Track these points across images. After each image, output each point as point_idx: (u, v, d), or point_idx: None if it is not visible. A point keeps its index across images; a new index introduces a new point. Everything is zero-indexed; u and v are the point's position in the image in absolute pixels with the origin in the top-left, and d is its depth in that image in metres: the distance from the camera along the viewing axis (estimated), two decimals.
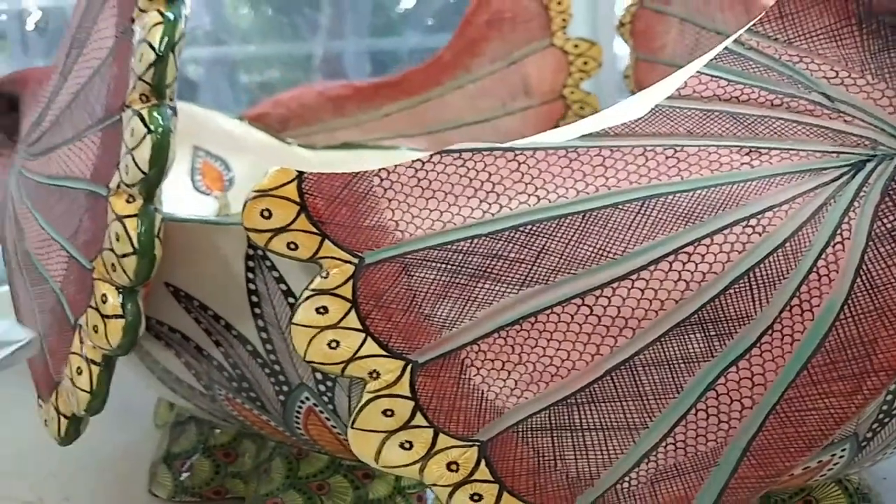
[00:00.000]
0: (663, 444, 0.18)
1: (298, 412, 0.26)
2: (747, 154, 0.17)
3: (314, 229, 0.19)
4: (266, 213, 0.20)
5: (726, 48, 0.18)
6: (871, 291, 0.16)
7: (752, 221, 0.17)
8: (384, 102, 0.43)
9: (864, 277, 0.16)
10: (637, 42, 0.37)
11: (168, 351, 0.28)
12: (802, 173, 0.17)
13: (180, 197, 0.44)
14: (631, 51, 0.38)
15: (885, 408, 0.22)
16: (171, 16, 0.19)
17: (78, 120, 0.25)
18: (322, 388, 0.26)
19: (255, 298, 0.25)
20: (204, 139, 0.44)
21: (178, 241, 0.24)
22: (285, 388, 0.26)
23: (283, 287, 0.24)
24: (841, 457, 0.23)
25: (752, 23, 0.17)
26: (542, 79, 0.41)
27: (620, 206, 0.17)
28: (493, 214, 0.18)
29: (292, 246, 0.20)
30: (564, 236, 0.18)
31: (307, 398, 0.26)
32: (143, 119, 0.20)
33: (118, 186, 0.22)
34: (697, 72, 0.18)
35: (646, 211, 0.17)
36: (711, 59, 0.18)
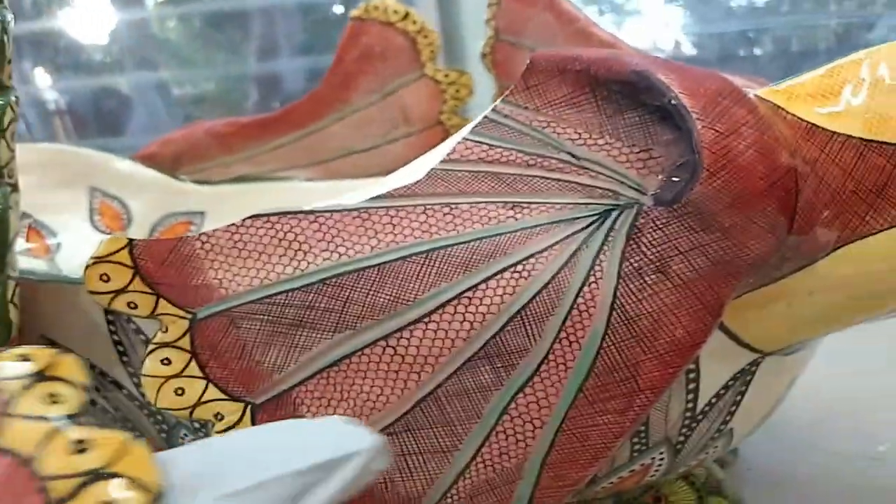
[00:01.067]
0: (474, 462, 0.21)
1: None
2: (511, 209, 0.19)
3: (149, 290, 0.21)
4: (105, 277, 0.22)
5: (486, 117, 0.20)
6: (627, 323, 0.19)
7: (519, 267, 0.19)
8: (271, 137, 0.44)
9: (618, 311, 0.19)
10: (499, 71, 0.40)
11: None
12: (558, 223, 0.19)
13: (81, 238, 0.45)
14: (495, 80, 0.40)
15: (688, 415, 0.24)
16: (1, 101, 0.21)
17: None
18: (196, 423, 0.27)
19: (120, 348, 0.26)
20: (99, 180, 0.45)
21: (44, 299, 0.26)
22: (164, 427, 0.28)
23: (143, 337, 0.25)
24: (661, 460, 0.26)
25: (505, 94, 0.20)
26: (419, 107, 0.43)
27: (408, 259, 0.19)
28: (302, 270, 0.20)
29: (132, 305, 0.22)
30: (364, 287, 0.20)
31: (185, 434, 0.28)
32: None
33: None
34: (463, 138, 0.20)
35: (430, 262, 0.19)
36: (474, 127, 0.20)
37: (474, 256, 0.19)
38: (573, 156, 0.19)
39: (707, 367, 0.23)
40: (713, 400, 0.24)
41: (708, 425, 0.25)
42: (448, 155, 0.20)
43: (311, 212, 0.20)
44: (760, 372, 0.25)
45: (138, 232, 0.48)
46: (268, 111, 0.47)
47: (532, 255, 0.19)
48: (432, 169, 0.20)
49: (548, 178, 0.19)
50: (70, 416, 0.13)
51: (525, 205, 0.19)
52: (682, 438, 0.25)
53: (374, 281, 0.20)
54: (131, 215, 0.47)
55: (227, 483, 0.13)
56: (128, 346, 0.26)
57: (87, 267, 0.22)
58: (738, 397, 0.25)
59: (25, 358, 0.14)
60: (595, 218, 0.19)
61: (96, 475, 0.13)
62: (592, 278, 0.19)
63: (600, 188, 0.19)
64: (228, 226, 0.21)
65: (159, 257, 0.21)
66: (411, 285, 0.20)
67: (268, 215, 0.20)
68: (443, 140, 0.45)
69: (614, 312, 0.19)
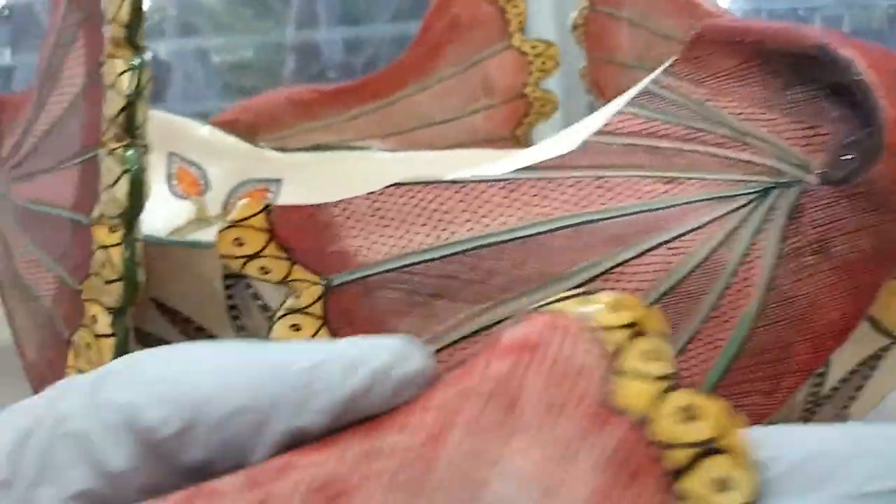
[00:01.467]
0: None
1: None
2: (667, 183, 0.19)
3: (284, 255, 0.21)
4: (238, 242, 0.21)
5: (645, 88, 0.19)
6: (782, 303, 0.19)
7: (674, 244, 0.19)
8: (351, 105, 0.44)
9: (775, 291, 0.19)
10: (590, 44, 0.39)
11: None
12: (716, 200, 0.19)
13: (159, 201, 0.46)
14: (585, 52, 0.40)
15: (811, 399, 0.24)
16: (136, 62, 0.21)
17: (56, 150, 0.26)
18: None
19: (234, 313, 0.26)
20: (179, 146, 0.46)
21: (161, 261, 0.26)
22: None
23: (260, 303, 0.25)
24: None
25: (665, 65, 0.19)
26: (503, 79, 0.42)
27: (556, 232, 0.19)
28: (444, 240, 0.20)
29: (265, 270, 0.22)
30: (509, 259, 0.19)
31: None
32: (118, 159, 0.22)
33: (100, 217, 0.23)
34: (619, 110, 0.19)
35: (579, 236, 0.19)
36: (632, 99, 0.19)
37: (626, 231, 0.19)
38: (734, 130, 0.19)
39: (839, 351, 0.23)
40: (838, 385, 0.24)
41: (829, 410, 0.25)
42: (603, 127, 0.19)
43: (455, 182, 0.20)
44: (887, 358, 0.24)
45: (215, 198, 0.48)
46: (305, 81, 0.47)
47: (688, 232, 0.19)
48: (585, 140, 0.19)
49: (707, 153, 0.19)
50: (669, 377, 0.12)
51: (682, 180, 0.19)
52: (801, 423, 0.25)
53: (520, 253, 0.19)
54: (209, 181, 0.47)
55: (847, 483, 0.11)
56: (243, 311, 0.26)
57: (220, 230, 0.22)
58: (862, 382, 0.25)
59: (615, 307, 0.13)
60: (755, 195, 0.19)
61: (708, 448, 0.12)
62: (749, 257, 0.18)
63: (761, 165, 0.19)
64: (369, 193, 0.20)
65: (296, 223, 0.21)
66: (558, 259, 0.19)
67: (410, 184, 0.20)
68: (524, 114, 0.45)
69: (770, 293, 0.19)
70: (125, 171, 0.21)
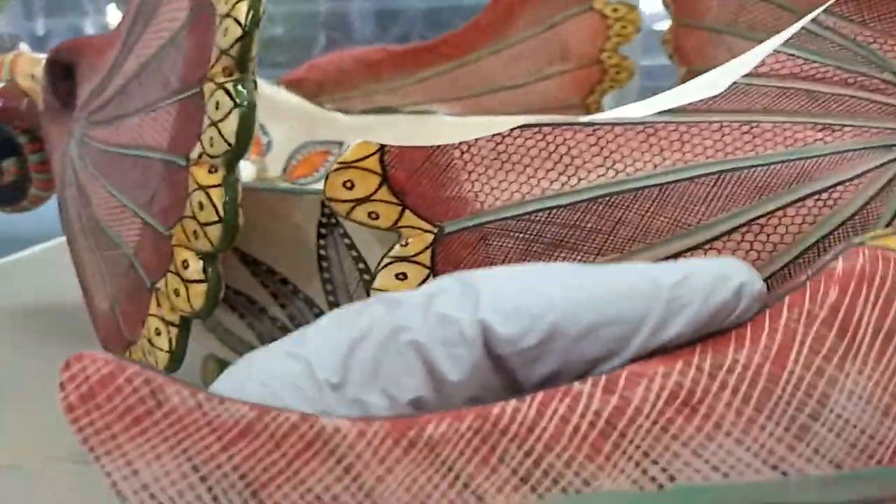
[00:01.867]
0: None
1: None
2: (821, 130, 0.18)
3: (395, 200, 0.20)
4: (348, 184, 0.21)
5: (803, 28, 0.18)
6: None
7: (824, 195, 0.17)
8: (420, 67, 0.43)
9: None
10: (678, 7, 0.38)
11: (232, 313, 0.29)
12: (872, 150, 0.18)
13: None
14: (671, 16, 0.38)
15: None
16: None
17: (149, 90, 0.26)
18: None
19: (324, 263, 0.26)
20: None
21: (250, 209, 0.25)
22: None
23: (354, 253, 0.25)
24: None
25: (828, 3, 0.18)
26: (580, 43, 0.41)
27: (696, 180, 0.18)
28: (571, 187, 0.19)
29: (373, 216, 0.21)
30: (641, 208, 0.18)
31: None
32: (229, 93, 0.21)
33: (199, 157, 0.23)
34: (775, 50, 0.18)
35: (721, 184, 0.18)
36: (789, 38, 0.18)
37: (773, 180, 0.18)
38: None
39: None
40: None
41: None
42: (755, 68, 0.18)
43: (589, 124, 0.19)
44: None
45: (276, 159, 0.47)
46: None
47: (840, 183, 0.17)
48: (735, 82, 0.18)
49: (866, 100, 0.18)
50: None
51: (837, 127, 0.18)
52: None
53: (654, 202, 0.18)
54: (271, 141, 0.46)
55: None
56: (333, 260, 0.25)
57: (329, 172, 0.21)
58: None
59: None
60: None
61: None
62: None
63: None
64: (493, 135, 0.19)
65: (412, 165, 0.20)
66: (696, 209, 0.18)
67: (539, 125, 0.19)
68: (598, 80, 0.44)
69: None
70: (236, 107, 0.20)
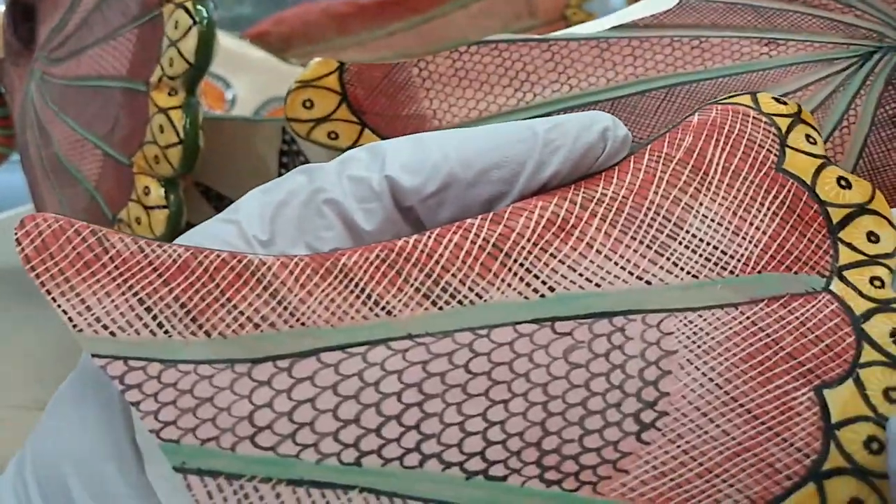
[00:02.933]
0: None
1: None
2: (766, 45, 0.18)
3: (355, 119, 0.21)
4: (308, 104, 0.21)
5: None
6: (871, 172, 0.18)
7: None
8: (389, 21, 0.43)
9: (865, 159, 0.18)
10: None
11: None
12: (815, 63, 0.18)
13: None
14: None
15: None
16: None
17: (110, 19, 0.25)
18: None
19: None
20: None
21: (211, 140, 0.25)
22: None
23: None
24: None
25: None
26: None
27: (647, 94, 0.19)
28: (527, 102, 0.19)
29: (333, 135, 0.21)
30: None
31: None
32: (188, 11, 0.21)
33: (159, 80, 0.23)
34: None
35: (671, 98, 0.18)
36: None
37: (721, 93, 0.18)
38: None
39: None
40: None
41: None
42: None
43: (545, 40, 0.19)
44: None
45: (240, 114, 0.47)
46: None
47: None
48: None
49: (809, 15, 0.18)
50: (825, 157, 0.15)
51: (782, 41, 0.18)
52: None
53: None
54: (236, 96, 0.46)
55: None
56: None
57: (289, 91, 0.21)
58: None
59: (779, 100, 0.16)
60: (855, 60, 0.18)
61: (861, 209, 0.15)
62: (845, 123, 0.18)
63: (864, 28, 0.18)
64: (451, 52, 0.20)
65: (371, 84, 0.20)
66: (647, 122, 0.19)
67: (496, 42, 0.19)
68: None
69: (861, 160, 0.18)
70: (195, 24, 0.20)
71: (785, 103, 0.15)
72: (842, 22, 0.18)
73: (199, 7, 0.21)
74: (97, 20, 0.26)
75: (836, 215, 0.15)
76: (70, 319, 0.12)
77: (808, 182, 0.15)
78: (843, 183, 0.15)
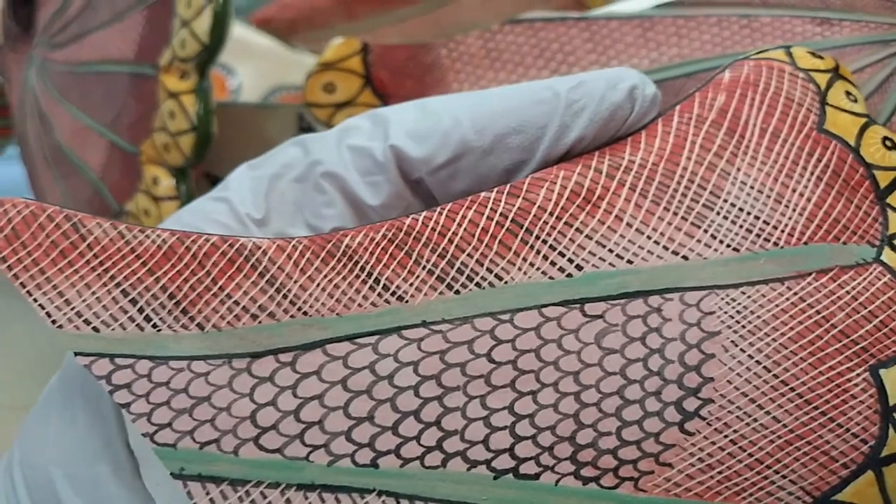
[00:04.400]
0: None
1: None
2: (819, 24, 0.17)
3: (378, 103, 0.19)
4: (330, 88, 0.20)
5: None
6: None
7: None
8: (398, 6, 0.42)
9: None
10: None
11: None
12: (871, 44, 0.17)
13: None
14: None
15: None
16: None
17: (116, 1, 0.24)
18: None
19: None
20: None
21: (221, 128, 0.24)
22: None
23: None
24: None
25: None
26: None
27: (693, 76, 0.18)
28: None
29: None
30: None
31: None
32: None
33: (170, 63, 0.21)
34: None
35: None
36: None
37: None
38: None
39: None
40: None
41: None
42: None
43: (583, 18, 0.18)
44: None
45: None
46: None
47: None
48: None
49: None
50: (868, 115, 0.14)
51: (836, 21, 0.17)
52: None
53: None
54: (241, 84, 0.45)
55: None
56: None
57: (309, 75, 0.20)
58: None
59: (817, 55, 0.14)
60: None
61: None
62: None
63: None
64: (482, 31, 0.19)
65: (396, 66, 0.19)
66: None
67: (531, 20, 0.18)
68: None
69: None
70: (209, 3, 0.19)
71: (821, 58, 0.14)
72: None
73: None
74: (102, 2, 0.25)
75: (884, 179, 0.14)
76: (48, 315, 0.11)
77: (853, 143, 0.14)
78: (888, 143, 0.14)
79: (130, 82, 0.23)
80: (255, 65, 0.45)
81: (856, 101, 0.14)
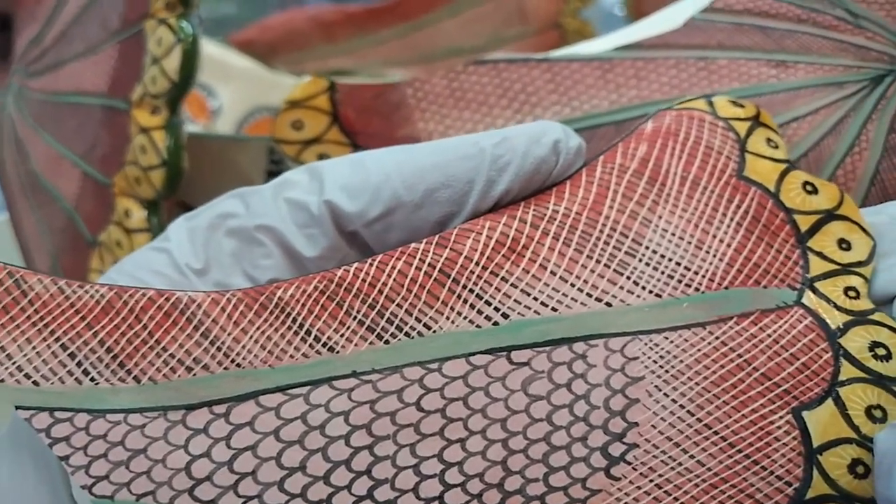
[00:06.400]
0: None
1: None
2: (775, 67, 0.18)
3: (346, 140, 0.20)
4: (298, 125, 0.20)
5: None
6: (884, 199, 0.18)
7: (780, 130, 0.17)
8: (377, 28, 0.42)
9: (877, 186, 0.18)
10: None
11: None
12: (826, 86, 0.18)
13: None
14: None
15: None
16: None
17: (90, 33, 0.24)
18: None
19: None
20: None
21: (194, 159, 0.24)
22: None
23: None
24: None
25: None
26: (538, 6, 0.41)
27: None
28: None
29: (324, 158, 0.20)
30: (598, 146, 0.18)
31: None
32: (171, 28, 0.20)
33: (142, 98, 0.22)
34: None
35: None
36: None
37: None
38: (850, 13, 0.18)
39: None
40: None
41: None
42: (711, 4, 0.18)
43: (545, 60, 0.18)
44: None
45: (225, 125, 0.46)
46: None
47: (795, 119, 0.17)
48: (691, 18, 0.18)
49: (819, 36, 0.18)
50: (789, 161, 0.14)
51: (791, 63, 0.18)
52: None
53: (610, 140, 0.18)
54: (221, 106, 0.45)
55: None
56: None
57: (279, 112, 0.20)
58: None
59: (737, 103, 0.15)
60: (866, 83, 0.17)
61: (829, 215, 0.14)
62: (857, 148, 0.17)
63: (875, 51, 0.17)
64: (447, 72, 0.19)
65: (363, 104, 0.19)
66: None
67: (494, 61, 0.19)
68: (557, 45, 0.43)
69: (873, 187, 0.18)
70: (179, 42, 0.19)
71: (742, 106, 0.15)
72: (852, 44, 0.18)
73: (182, 24, 0.20)
74: (77, 34, 0.25)
75: (804, 223, 0.14)
76: None
77: (772, 189, 0.14)
78: (808, 188, 0.14)
79: (103, 115, 0.23)
80: (236, 86, 0.45)
81: (777, 147, 0.14)
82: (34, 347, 0.12)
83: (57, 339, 0.12)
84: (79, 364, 0.12)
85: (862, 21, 0.18)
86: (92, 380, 0.12)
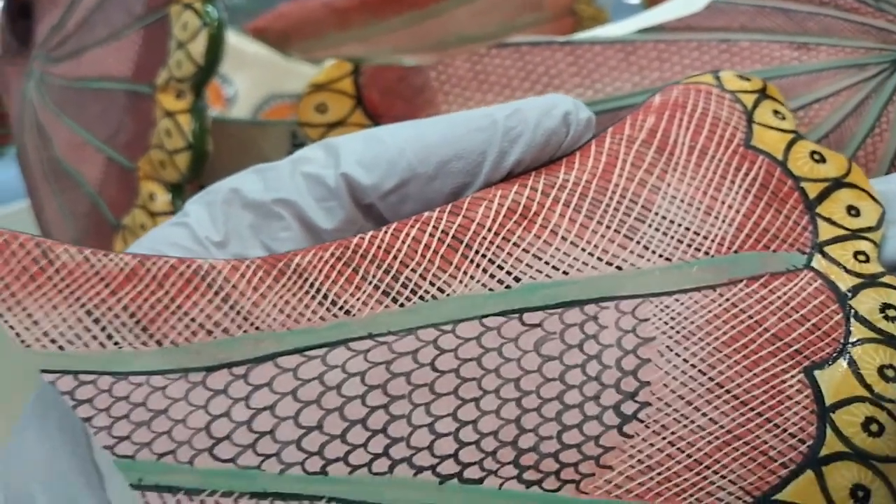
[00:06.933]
0: None
1: None
2: (797, 49, 0.18)
3: (370, 123, 0.20)
4: (322, 108, 0.20)
5: None
6: None
7: (800, 113, 0.18)
8: (390, 16, 0.42)
9: None
10: None
11: None
12: (847, 68, 0.18)
13: None
14: None
15: None
16: None
17: (113, 19, 0.25)
18: None
19: None
20: None
21: (217, 143, 0.25)
22: None
23: None
24: None
25: None
26: None
27: None
28: None
29: None
30: None
31: None
32: (197, 12, 0.20)
33: (167, 83, 0.22)
34: None
35: None
36: None
37: None
38: None
39: None
40: None
41: None
42: None
43: (568, 42, 0.19)
44: None
45: (241, 112, 0.46)
46: None
47: (816, 101, 0.18)
48: (713, 1, 0.18)
49: (842, 19, 0.18)
50: (796, 131, 0.15)
51: (813, 45, 0.18)
52: None
53: None
54: (237, 93, 0.45)
55: None
56: None
57: (302, 95, 0.20)
58: None
59: (744, 76, 0.15)
60: (887, 65, 0.18)
61: (837, 183, 0.14)
62: (877, 129, 0.18)
63: None
64: (471, 55, 0.19)
65: (387, 87, 0.20)
66: None
67: (517, 44, 0.19)
68: (571, 32, 0.43)
69: (893, 167, 0.18)
70: (204, 26, 0.20)
71: (749, 79, 0.15)
72: (874, 26, 0.18)
73: (208, 8, 0.20)
74: (99, 19, 0.26)
75: (812, 190, 0.14)
76: (17, 335, 0.12)
77: (780, 158, 0.14)
78: (816, 157, 0.14)
79: (127, 100, 0.24)
80: (251, 73, 0.45)
81: (784, 118, 0.15)
82: (60, 314, 0.12)
83: (82, 306, 0.12)
84: (103, 329, 0.12)
85: (883, 4, 0.18)
86: (116, 344, 0.12)
